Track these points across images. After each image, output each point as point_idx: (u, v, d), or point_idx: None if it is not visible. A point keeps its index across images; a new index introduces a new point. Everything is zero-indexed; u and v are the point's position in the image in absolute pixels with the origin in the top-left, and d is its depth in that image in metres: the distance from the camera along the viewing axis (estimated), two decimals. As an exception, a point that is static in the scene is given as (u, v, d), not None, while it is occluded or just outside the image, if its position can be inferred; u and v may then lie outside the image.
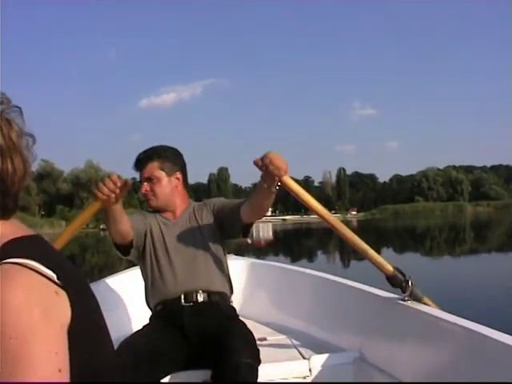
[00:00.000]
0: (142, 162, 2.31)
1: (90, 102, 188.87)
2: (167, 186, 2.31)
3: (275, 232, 47.39)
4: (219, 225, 2.36)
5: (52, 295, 0.79)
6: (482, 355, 1.60)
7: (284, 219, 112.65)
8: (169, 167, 2.31)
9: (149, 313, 2.40)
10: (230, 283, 2.40)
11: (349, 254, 20.50)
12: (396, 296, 2.13)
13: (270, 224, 79.89)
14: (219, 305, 2.25)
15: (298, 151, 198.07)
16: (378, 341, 2.25)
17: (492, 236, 29.44)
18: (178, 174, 2.35)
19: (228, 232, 2.38)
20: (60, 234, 2.14)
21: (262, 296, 3.36)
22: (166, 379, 2.06)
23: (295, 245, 28.32)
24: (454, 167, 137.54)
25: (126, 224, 2.16)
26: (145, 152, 2.33)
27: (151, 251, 2.32)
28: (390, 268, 2.11)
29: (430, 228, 43.00)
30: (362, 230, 49.07)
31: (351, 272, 13.58)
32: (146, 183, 2.30)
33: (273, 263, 3.66)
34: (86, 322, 0.86)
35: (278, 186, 2.04)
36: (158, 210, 2.38)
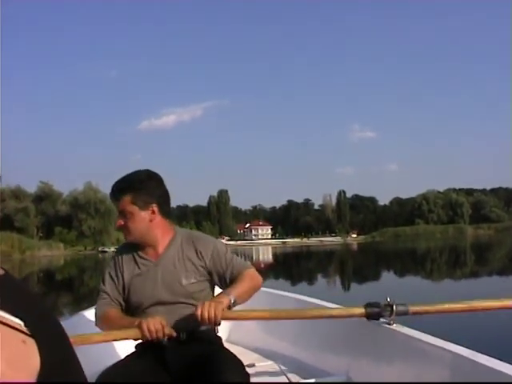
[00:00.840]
0: (114, 194, 2.20)
1: (90, 123, 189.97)
2: (141, 222, 2.16)
3: (275, 255, 47.22)
4: (210, 273, 2.24)
5: (19, 346, 0.75)
6: (468, 378, 1.61)
7: (284, 242, 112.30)
8: (142, 200, 2.16)
9: (131, 344, 2.28)
10: None
11: (349, 277, 20.42)
12: (382, 320, 2.17)
13: (270, 247, 79.71)
14: (204, 340, 2.15)
15: (298, 174, 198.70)
16: (364, 365, 2.27)
17: (493, 258, 29.32)
18: (154, 207, 2.18)
19: (217, 284, 2.30)
20: (86, 337, 2.07)
21: (250, 321, 3.28)
22: None
23: (295, 268, 28.22)
24: (454, 190, 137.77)
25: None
26: (119, 182, 2.21)
27: (132, 295, 2.22)
28: (360, 310, 2.17)
29: (431, 250, 42.86)
30: (362, 252, 48.95)
31: (351, 295, 13.53)
32: (119, 217, 2.19)
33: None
34: (57, 367, 0.82)
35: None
36: (138, 246, 2.24)
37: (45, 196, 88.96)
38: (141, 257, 2.24)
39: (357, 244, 76.72)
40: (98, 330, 2.88)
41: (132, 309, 2.22)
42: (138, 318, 2.06)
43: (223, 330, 2.52)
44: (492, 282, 16.21)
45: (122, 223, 2.18)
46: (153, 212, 2.18)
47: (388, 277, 18.82)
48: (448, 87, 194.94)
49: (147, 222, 2.17)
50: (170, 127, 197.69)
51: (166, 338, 1.99)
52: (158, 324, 1.96)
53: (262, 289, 3.66)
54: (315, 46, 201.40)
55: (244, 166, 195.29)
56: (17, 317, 0.76)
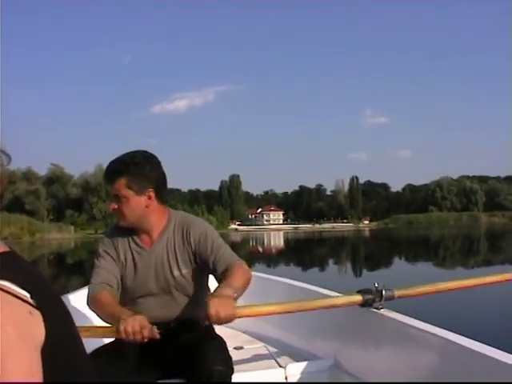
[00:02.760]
0: (109, 176, 2.07)
1: (102, 107, 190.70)
2: (136, 207, 2.05)
3: (287, 240, 47.20)
4: (198, 262, 2.14)
5: (26, 316, 0.79)
6: (454, 362, 1.66)
7: (296, 227, 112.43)
8: (138, 185, 2.03)
9: None
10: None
11: (361, 264, 20.34)
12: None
13: (282, 232, 79.84)
14: (193, 326, 2.09)
15: (310, 159, 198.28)
16: (352, 348, 2.30)
17: (507, 247, 29.07)
18: (150, 192, 2.07)
19: (208, 272, 2.18)
20: None
21: (239, 304, 3.32)
22: None
23: (307, 254, 28.16)
24: (468, 177, 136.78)
25: None
26: (114, 163, 2.07)
27: (125, 282, 2.15)
28: (358, 298, 2.14)
29: (444, 238, 42.62)
30: (374, 239, 48.80)
31: (363, 282, 13.43)
32: (113, 201, 2.07)
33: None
34: (60, 341, 0.86)
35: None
36: (131, 230, 2.15)
37: (56, 178, 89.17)
38: (135, 242, 2.16)
39: (369, 230, 76.64)
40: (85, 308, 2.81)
41: (123, 296, 2.13)
42: (128, 309, 1.94)
43: None
44: (505, 270, 16.02)
45: (116, 207, 2.07)
46: (149, 197, 2.08)
47: (400, 264, 18.71)
48: (462, 74, 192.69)
49: (143, 207, 2.07)
50: (181, 111, 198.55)
51: (146, 339, 1.78)
52: (136, 326, 1.76)
53: (253, 273, 3.59)
54: (329, 33, 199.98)
55: (256, 151, 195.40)
56: (24, 289, 0.81)
